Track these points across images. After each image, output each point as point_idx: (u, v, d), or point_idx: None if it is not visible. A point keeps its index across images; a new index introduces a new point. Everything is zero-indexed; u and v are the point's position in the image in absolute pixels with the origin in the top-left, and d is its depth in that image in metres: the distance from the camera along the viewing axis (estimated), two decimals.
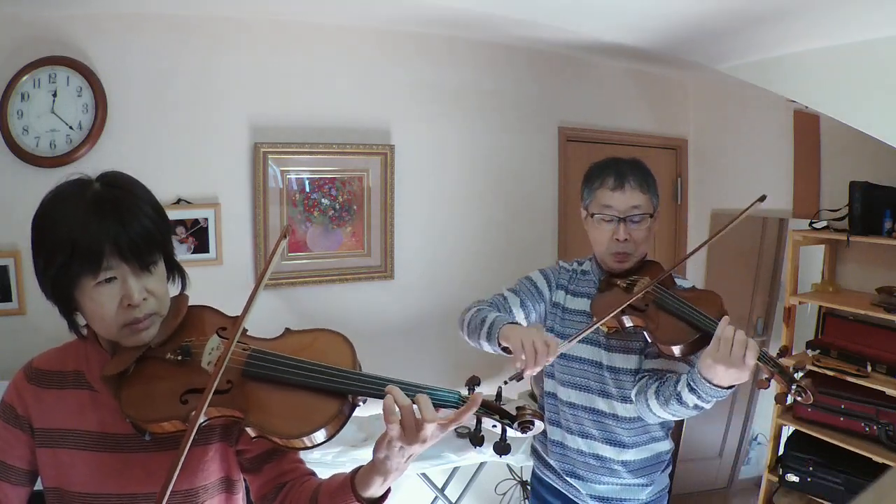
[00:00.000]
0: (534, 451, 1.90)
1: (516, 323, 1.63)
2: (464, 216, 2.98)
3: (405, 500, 2.82)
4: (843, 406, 2.65)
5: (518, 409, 1.00)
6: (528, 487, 3.00)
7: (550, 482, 1.82)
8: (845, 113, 2.27)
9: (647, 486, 1.71)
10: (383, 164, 2.75)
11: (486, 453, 2.45)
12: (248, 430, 0.97)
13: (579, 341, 1.70)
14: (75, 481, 1.01)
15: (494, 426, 1.00)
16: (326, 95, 2.66)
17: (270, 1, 2.39)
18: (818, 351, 2.79)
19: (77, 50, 2.25)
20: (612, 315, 1.53)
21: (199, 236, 2.44)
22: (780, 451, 2.92)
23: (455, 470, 2.65)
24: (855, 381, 2.56)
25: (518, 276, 1.88)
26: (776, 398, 1.41)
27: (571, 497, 1.76)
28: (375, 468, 0.96)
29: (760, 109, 3.28)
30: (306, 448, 0.97)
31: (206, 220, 2.45)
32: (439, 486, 2.66)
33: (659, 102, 3.54)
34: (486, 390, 1.02)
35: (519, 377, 1.44)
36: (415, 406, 0.93)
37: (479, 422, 0.99)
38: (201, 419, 0.96)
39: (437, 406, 0.94)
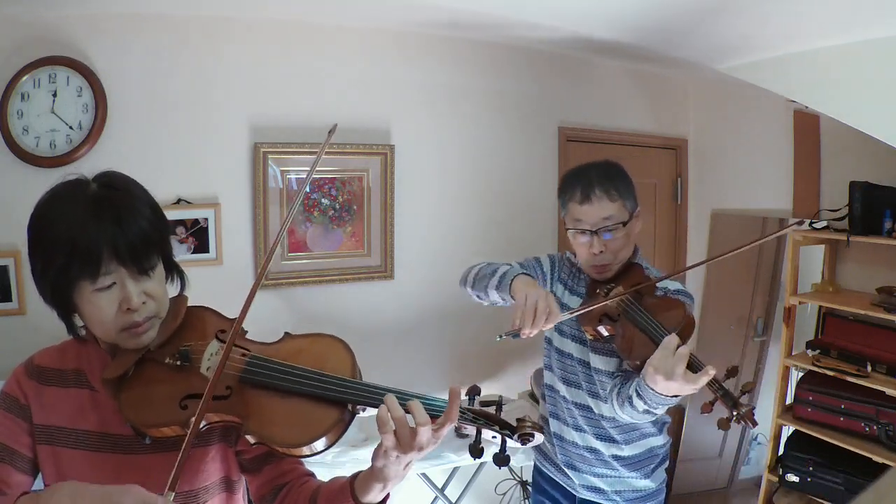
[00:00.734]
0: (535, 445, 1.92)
1: (532, 278, 1.61)
2: (464, 216, 2.98)
3: (405, 500, 2.82)
4: (843, 406, 2.65)
5: (518, 420, 1.00)
6: (528, 487, 3.00)
7: (550, 474, 1.86)
8: (845, 113, 2.27)
9: (641, 479, 1.72)
10: (383, 164, 2.75)
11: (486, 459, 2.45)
12: (248, 437, 0.96)
13: (569, 338, 1.74)
14: (73, 480, 1.01)
15: (494, 437, 1.00)
16: (326, 95, 2.66)
17: (270, 1, 2.39)
18: (818, 351, 2.79)
19: (77, 50, 2.25)
20: (587, 312, 1.55)
21: (199, 236, 2.44)
22: (780, 451, 2.92)
23: (455, 470, 2.65)
24: (855, 381, 2.56)
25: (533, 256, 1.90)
26: (718, 423, 1.39)
27: (568, 488, 1.79)
28: (374, 475, 0.96)
29: (760, 109, 3.28)
30: (305, 456, 0.96)
31: (206, 220, 2.45)
32: (439, 486, 2.66)
33: (659, 102, 3.54)
34: (484, 391, 1.02)
35: (515, 334, 1.44)
36: (408, 415, 0.93)
37: (478, 433, 0.99)
38: (201, 424, 0.96)
39: (431, 415, 0.94)
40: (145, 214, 0.98)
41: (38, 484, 1.06)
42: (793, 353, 2.91)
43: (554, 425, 1.80)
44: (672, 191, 3.62)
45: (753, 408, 1.38)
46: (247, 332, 1.07)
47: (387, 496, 1.01)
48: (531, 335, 1.43)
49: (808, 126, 3.07)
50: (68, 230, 0.93)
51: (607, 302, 1.54)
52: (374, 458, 0.96)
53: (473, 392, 1.02)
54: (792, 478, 2.79)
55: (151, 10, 2.34)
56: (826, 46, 2.26)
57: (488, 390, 3.02)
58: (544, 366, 1.87)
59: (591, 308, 1.55)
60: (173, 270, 1.09)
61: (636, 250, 1.73)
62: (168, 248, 1.05)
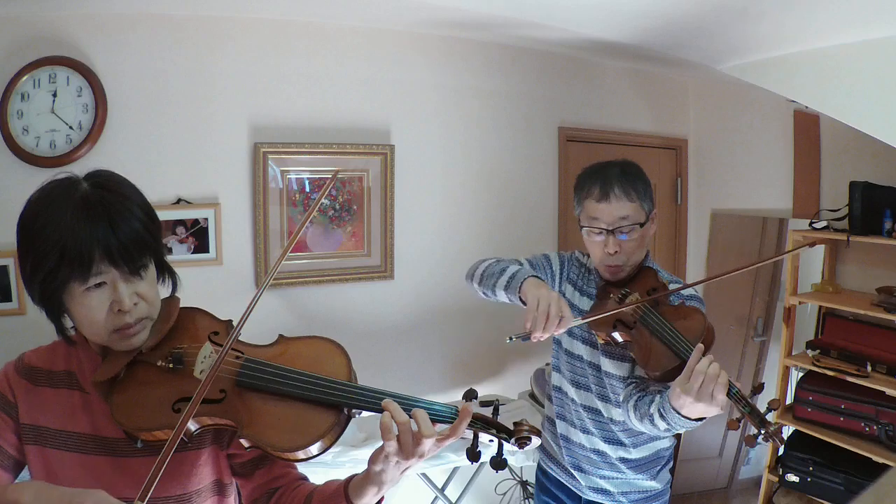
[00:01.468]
0: (539, 445, 1.91)
1: (542, 280, 1.57)
2: (464, 216, 2.98)
3: (405, 501, 2.82)
4: (843, 406, 2.65)
5: (515, 424, 0.99)
6: (528, 487, 3.00)
7: (555, 475, 1.85)
8: (845, 113, 2.27)
9: (647, 480, 1.71)
10: (383, 164, 2.75)
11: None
12: (242, 440, 0.95)
13: (579, 340, 1.72)
14: (67, 483, 0.99)
15: (491, 441, 0.99)
16: (326, 95, 2.66)
17: (270, 1, 2.39)
18: (818, 351, 2.79)
19: (77, 50, 2.25)
20: (603, 317, 1.51)
21: (199, 236, 2.44)
22: (780, 451, 2.92)
23: (455, 470, 2.65)
24: (855, 381, 2.56)
25: (542, 253, 1.88)
26: (745, 440, 1.34)
27: (574, 490, 1.78)
28: (370, 479, 0.95)
29: (760, 109, 3.28)
30: (301, 460, 0.95)
31: (206, 220, 2.45)
32: (439, 486, 2.66)
33: (659, 102, 3.54)
34: (484, 391, 1.02)
35: (525, 337, 1.42)
36: (411, 421, 0.91)
37: (475, 437, 0.98)
38: (193, 428, 0.96)
39: (433, 421, 0.93)
40: (137, 215, 0.96)
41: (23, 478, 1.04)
42: (793, 353, 2.91)
43: (561, 427, 1.79)
44: (672, 191, 3.62)
45: (782, 425, 1.35)
46: (240, 334, 1.06)
47: (381, 500, 1.00)
48: (542, 339, 1.42)
49: (808, 126, 3.07)
50: (58, 232, 0.91)
51: (623, 309, 1.50)
52: (371, 462, 0.95)
53: (470, 396, 1.00)
54: (792, 478, 2.79)
55: (151, 10, 2.34)
56: (826, 46, 2.26)
57: (488, 390, 3.02)
58: (552, 367, 1.85)
59: (602, 315, 1.52)
60: (165, 272, 1.07)
61: (647, 254, 1.70)
62: (160, 250, 1.04)
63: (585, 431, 1.73)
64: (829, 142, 3.02)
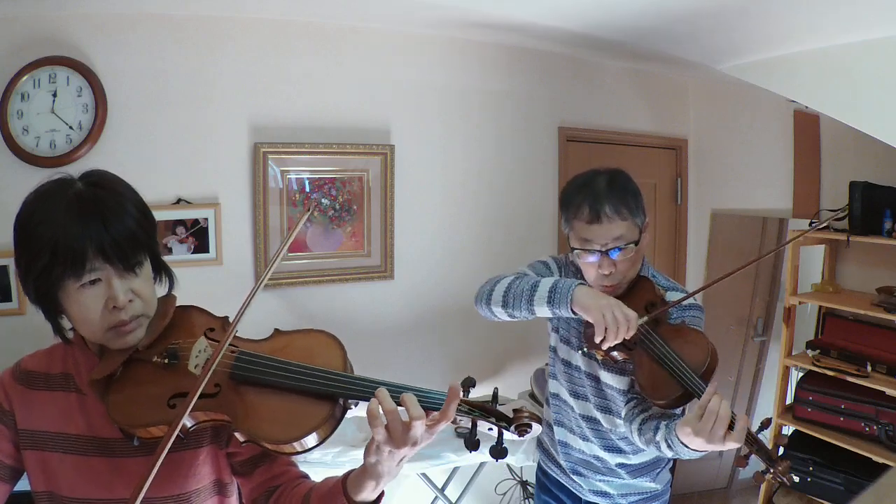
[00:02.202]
0: (540, 445, 1.91)
1: (584, 283, 1.51)
2: (464, 216, 2.98)
3: (405, 500, 2.82)
4: (843, 406, 2.65)
5: (515, 411, 0.97)
6: (528, 487, 3.00)
7: (556, 476, 1.84)
8: (845, 113, 2.27)
9: (648, 482, 1.71)
10: (383, 164, 2.75)
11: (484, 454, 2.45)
12: (237, 434, 0.94)
13: (576, 349, 1.69)
14: (64, 485, 1.00)
15: (490, 429, 0.97)
16: (326, 95, 2.66)
17: (270, 1, 2.39)
18: (818, 351, 2.79)
19: (77, 50, 2.25)
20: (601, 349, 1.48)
21: (199, 236, 2.44)
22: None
23: (455, 470, 2.65)
24: (855, 381, 2.56)
25: (537, 259, 1.85)
26: (754, 477, 1.33)
27: (575, 492, 1.78)
28: (367, 472, 0.94)
29: (760, 109, 3.28)
30: (297, 453, 0.94)
31: (206, 220, 2.45)
32: (439, 486, 2.66)
33: (659, 102, 3.54)
34: (483, 391, 1.01)
35: (597, 348, 1.42)
36: (401, 408, 0.90)
37: (474, 425, 0.96)
38: (189, 423, 0.95)
39: (426, 409, 0.91)
40: (131, 213, 0.96)
41: (23, 485, 1.04)
42: (793, 353, 2.91)
43: (559, 433, 1.77)
44: (672, 191, 3.62)
45: (791, 465, 1.33)
46: (237, 330, 1.06)
47: (381, 495, 0.98)
48: (612, 345, 1.40)
49: (808, 126, 3.07)
50: (52, 230, 0.91)
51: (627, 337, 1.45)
52: (366, 454, 0.93)
53: (468, 384, 0.97)
54: (792, 478, 2.79)
55: (151, 10, 2.34)
56: (826, 46, 2.26)
57: (488, 390, 3.01)
58: (549, 374, 1.83)
59: (645, 319, 1.46)
60: (162, 270, 1.07)
61: (643, 262, 1.65)
62: (155, 248, 1.03)
63: (584, 439, 1.71)
64: (829, 142, 3.02)
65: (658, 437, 1.38)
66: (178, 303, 1.09)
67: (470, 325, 2.95)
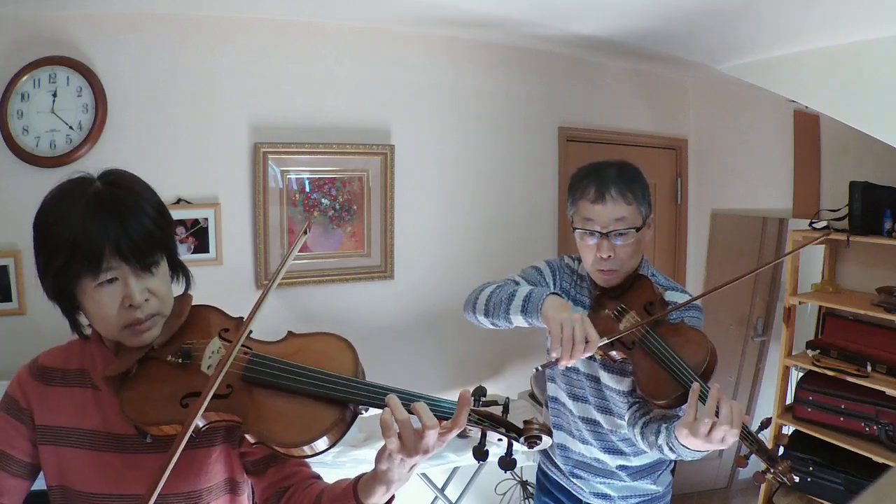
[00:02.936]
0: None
1: (560, 295, 1.49)
2: (464, 216, 2.98)
3: (405, 500, 2.82)
4: (843, 406, 2.65)
5: (525, 422, 0.96)
6: (528, 487, 3.00)
7: (556, 478, 1.83)
8: (845, 113, 2.27)
9: (649, 484, 1.71)
10: (383, 164, 2.75)
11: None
12: (248, 436, 0.95)
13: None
14: (78, 480, 1.01)
15: (500, 440, 0.96)
16: (326, 95, 2.66)
17: (270, 1, 2.39)
18: (818, 351, 2.79)
19: (77, 50, 2.25)
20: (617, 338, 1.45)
21: (199, 236, 2.44)
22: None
23: (455, 470, 2.65)
24: (855, 381, 2.56)
25: (531, 265, 1.84)
26: (755, 477, 1.31)
27: (575, 493, 1.77)
28: (378, 478, 0.95)
29: (760, 109, 3.28)
30: (307, 456, 0.95)
31: (206, 220, 2.45)
32: (439, 486, 2.66)
33: (659, 102, 3.54)
34: (493, 390, 1.00)
35: (553, 366, 1.38)
36: (413, 416, 0.90)
37: (483, 435, 0.95)
38: (201, 423, 0.96)
39: (437, 417, 0.91)
40: (149, 213, 0.98)
41: (40, 484, 1.06)
42: (793, 353, 2.91)
43: (558, 436, 1.75)
44: (672, 191, 3.62)
45: (792, 465, 1.32)
46: (251, 331, 1.07)
47: (391, 498, 0.99)
48: (571, 364, 1.36)
49: (808, 126, 3.07)
50: (70, 228, 0.92)
51: (623, 334, 1.44)
52: (377, 461, 0.94)
53: (479, 393, 0.97)
54: (793, 477, 2.79)
55: (151, 10, 2.34)
56: (826, 46, 2.26)
57: (488, 390, 3.01)
58: (548, 376, 1.80)
59: (620, 335, 1.45)
60: (178, 270, 1.09)
61: (642, 260, 1.63)
62: (172, 247, 1.05)
63: (584, 442, 1.70)
64: (829, 142, 3.02)
65: (660, 441, 1.37)
66: None
67: (470, 325, 2.91)
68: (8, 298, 2.19)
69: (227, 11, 2.44)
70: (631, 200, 1.51)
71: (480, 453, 0.94)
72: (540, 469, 1.93)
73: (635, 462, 1.67)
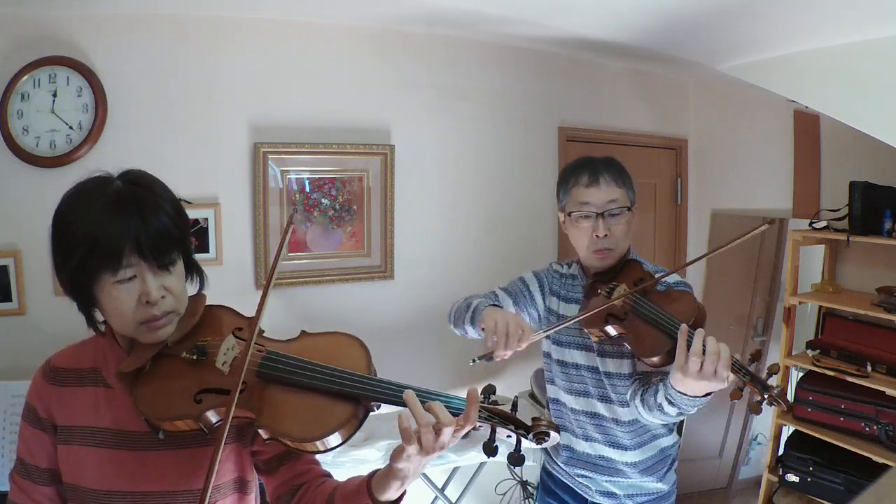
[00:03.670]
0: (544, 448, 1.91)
1: (498, 306, 1.63)
2: (464, 216, 2.98)
3: (405, 500, 2.82)
4: (843, 406, 2.65)
5: (534, 419, 0.99)
6: (528, 487, 3.00)
7: (561, 477, 1.84)
8: (845, 113, 2.27)
9: (654, 482, 1.71)
10: (383, 164, 2.75)
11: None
12: (261, 431, 0.97)
13: (572, 346, 1.72)
14: (87, 478, 1.02)
15: (509, 436, 0.99)
16: (326, 95, 2.66)
17: (270, 1, 2.39)
18: (818, 351, 2.79)
19: (77, 50, 2.25)
20: (587, 317, 1.53)
21: (199, 236, 2.44)
22: (780, 451, 2.92)
23: (455, 470, 2.65)
24: (855, 381, 2.56)
25: (518, 276, 1.88)
26: (750, 407, 1.36)
27: (581, 493, 1.78)
28: (392, 474, 0.96)
29: (760, 109, 3.28)
30: (319, 452, 0.97)
31: (206, 220, 2.45)
32: (439, 486, 2.66)
33: (659, 102, 3.54)
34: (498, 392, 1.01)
35: (489, 357, 1.46)
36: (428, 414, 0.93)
37: (493, 431, 0.98)
38: (214, 420, 0.98)
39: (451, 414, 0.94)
40: (168, 212, 1.00)
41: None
42: (793, 353, 2.91)
43: (562, 437, 1.77)
44: (672, 191, 3.62)
45: (783, 389, 1.36)
46: (264, 331, 1.08)
47: (403, 494, 1.01)
48: (506, 356, 1.45)
49: (808, 126, 3.07)
50: (91, 225, 0.95)
51: (610, 304, 1.52)
52: (393, 459, 0.96)
53: (488, 391, 1.00)
54: (792, 478, 2.79)
55: (151, 10, 2.34)
56: (826, 46, 2.26)
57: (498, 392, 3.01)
58: (546, 379, 1.84)
59: (589, 314, 1.54)
60: (193, 269, 1.11)
61: (630, 249, 1.72)
62: (188, 247, 1.07)
63: (588, 439, 1.72)
64: (829, 142, 3.02)
65: (659, 398, 1.41)
66: None
67: None
68: (8, 298, 2.18)
69: (227, 11, 2.44)
70: (621, 185, 1.65)
71: (490, 449, 0.97)
72: (544, 469, 1.93)
73: (640, 456, 1.69)
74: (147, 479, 1.01)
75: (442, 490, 2.67)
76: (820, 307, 2.93)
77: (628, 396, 1.58)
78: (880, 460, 2.50)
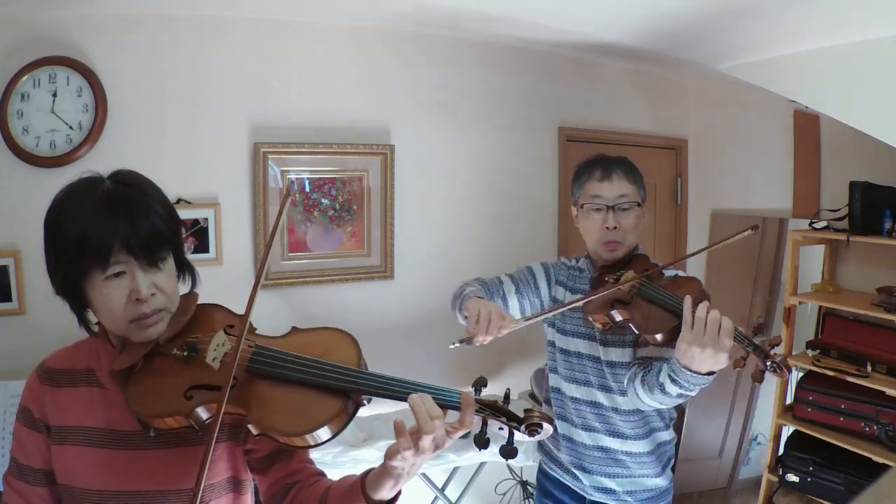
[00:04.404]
0: (540, 447, 1.93)
1: (482, 298, 1.67)
2: (464, 216, 2.98)
3: (405, 501, 2.82)
4: (843, 406, 2.65)
5: (526, 411, 0.97)
6: (528, 487, 3.01)
7: (557, 476, 1.84)
8: (845, 113, 2.27)
9: (652, 478, 1.72)
10: (383, 164, 2.75)
11: (488, 453, 2.45)
12: (251, 427, 0.97)
13: (575, 336, 1.74)
14: (80, 477, 1.02)
15: (501, 429, 0.97)
16: (326, 95, 2.66)
17: (270, 1, 2.39)
18: (818, 351, 2.79)
19: (77, 50, 2.25)
20: (595, 300, 1.57)
21: (199, 236, 2.44)
22: (780, 451, 2.92)
23: (455, 470, 2.65)
24: (855, 381, 2.56)
25: (526, 265, 1.91)
26: (753, 376, 1.39)
27: (577, 490, 1.78)
28: (387, 472, 0.96)
29: (760, 109, 3.28)
30: (310, 446, 0.96)
31: (206, 220, 2.45)
32: (439, 486, 2.66)
33: (659, 102, 3.54)
34: (492, 390, 1.01)
35: (468, 342, 1.49)
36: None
37: (484, 423, 0.96)
38: (205, 416, 0.98)
39: (442, 406, 0.93)
40: (158, 212, 1.00)
41: None
42: (793, 353, 2.91)
43: (562, 428, 1.80)
44: (672, 191, 3.62)
45: (785, 357, 1.39)
46: (256, 328, 1.08)
47: (398, 493, 1.00)
48: (485, 342, 1.48)
49: (808, 126, 3.07)
50: (80, 225, 0.95)
51: (617, 287, 1.57)
52: (388, 458, 0.95)
53: (479, 383, 0.99)
54: (792, 478, 2.79)
55: (151, 10, 2.34)
56: (826, 46, 2.26)
57: (488, 390, 3.00)
58: (548, 369, 1.87)
59: (595, 296, 1.58)
60: (185, 269, 1.11)
61: (637, 245, 1.77)
62: (180, 246, 1.07)
63: (588, 429, 1.73)
64: (829, 142, 3.02)
65: (661, 378, 1.41)
66: None
67: None
68: (8, 298, 2.18)
69: (227, 11, 2.44)
70: (632, 181, 1.73)
71: (481, 441, 0.95)
72: (540, 469, 1.94)
73: (638, 447, 1.70)
74: (139, 479, 1.01)
75: (442, 490, 2.67)
76: (820, 307, 2.93)
77: (627, 378, 1.59)
78: (880, 460, 2.50)
